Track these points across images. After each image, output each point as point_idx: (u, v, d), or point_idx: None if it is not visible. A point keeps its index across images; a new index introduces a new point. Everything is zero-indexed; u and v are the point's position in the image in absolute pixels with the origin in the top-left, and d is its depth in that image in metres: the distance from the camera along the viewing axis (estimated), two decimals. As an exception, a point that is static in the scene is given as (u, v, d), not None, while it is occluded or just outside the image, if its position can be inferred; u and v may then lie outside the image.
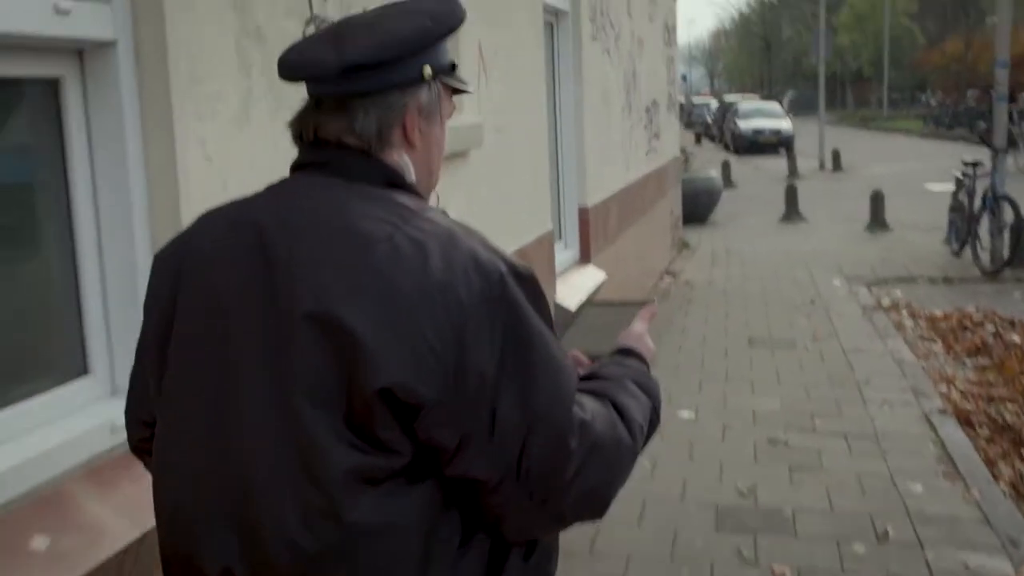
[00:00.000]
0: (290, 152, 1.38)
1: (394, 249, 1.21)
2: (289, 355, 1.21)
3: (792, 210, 14.48)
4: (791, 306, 8.45)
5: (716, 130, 37.21)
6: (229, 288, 1.28)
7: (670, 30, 10.82)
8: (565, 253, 6.24)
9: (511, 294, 1.23)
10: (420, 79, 1.34)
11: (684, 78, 76.69)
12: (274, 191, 1.37)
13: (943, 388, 5.98)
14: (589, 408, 1.29)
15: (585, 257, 6.40)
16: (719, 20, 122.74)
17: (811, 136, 27.46)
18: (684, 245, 11.94)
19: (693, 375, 6.34)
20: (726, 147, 32.47)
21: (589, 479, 1.26)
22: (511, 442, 1.21)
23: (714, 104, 45.35)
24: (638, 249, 8.56)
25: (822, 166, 24.02)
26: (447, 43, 1.39)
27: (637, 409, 1.38)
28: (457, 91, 1.44)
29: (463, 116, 3.78)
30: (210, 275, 1.31)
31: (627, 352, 1.52)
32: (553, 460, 1.23)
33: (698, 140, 36.44)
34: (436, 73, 1.36)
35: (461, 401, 1.19)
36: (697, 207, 14.14)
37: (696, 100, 56.03)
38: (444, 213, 1.34)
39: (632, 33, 8.23)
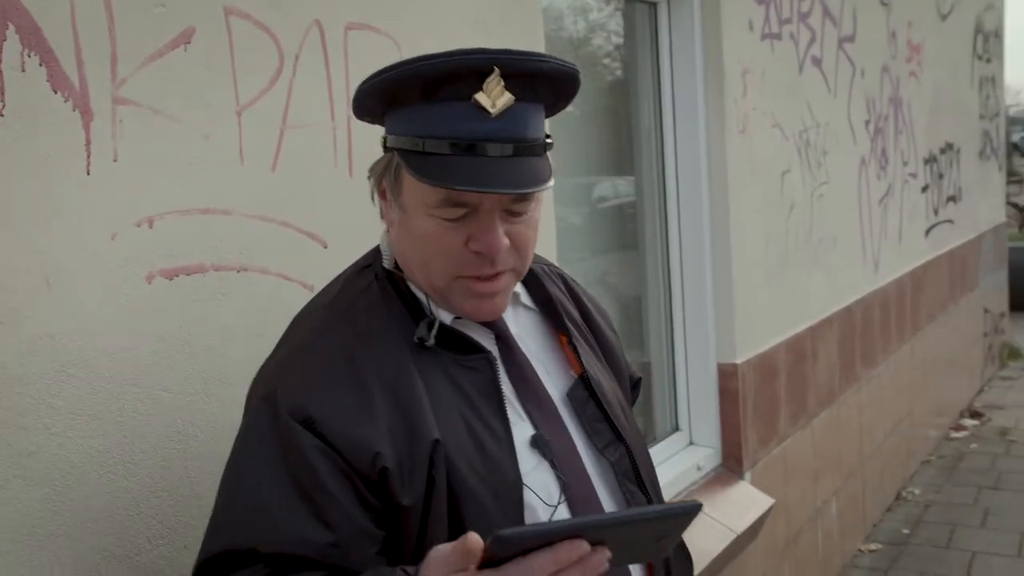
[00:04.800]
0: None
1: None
2: None
3: None
4: None
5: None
6: None
7: (988, 36, 7.17)
8: (683, 458, 3.20)
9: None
10: (384, 147, 1.21)
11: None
12: None
13: None
14: None
15: (732, 461, 3.28)
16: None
17: None
18: (1011, 354, 7.97)
19: None
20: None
21: None
22: None
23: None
24: (907, 386, 5.18)
25: None
26: (425, 116, 1.10)
27: None
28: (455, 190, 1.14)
29: None
30: None
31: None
32: None
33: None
34: (393, 147, 1.17)
35: None
36: (1044, 288, 9.99)
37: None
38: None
39: (894, 35, 4.93)
